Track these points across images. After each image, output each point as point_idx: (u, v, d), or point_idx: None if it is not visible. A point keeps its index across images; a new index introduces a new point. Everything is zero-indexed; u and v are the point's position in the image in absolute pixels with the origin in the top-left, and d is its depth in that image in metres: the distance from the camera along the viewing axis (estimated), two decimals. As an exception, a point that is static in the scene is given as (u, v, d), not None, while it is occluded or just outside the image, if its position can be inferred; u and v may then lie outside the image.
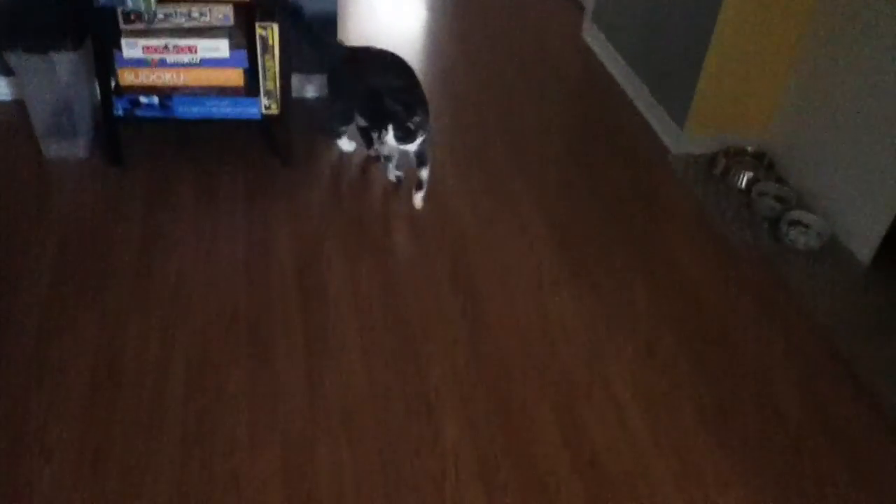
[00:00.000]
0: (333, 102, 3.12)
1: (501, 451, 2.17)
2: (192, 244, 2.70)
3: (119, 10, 2.76)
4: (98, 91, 2.89)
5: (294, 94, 3.45)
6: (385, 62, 2.99)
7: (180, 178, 2.99)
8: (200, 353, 2.34)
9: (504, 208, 3.01)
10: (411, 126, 2.71)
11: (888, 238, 2.84)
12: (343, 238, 2.80)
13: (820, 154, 3.09)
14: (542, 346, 2.48)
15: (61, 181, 2.93)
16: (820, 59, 3.06)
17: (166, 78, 2.90)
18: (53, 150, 3.01)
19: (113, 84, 2.89)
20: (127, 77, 2.89)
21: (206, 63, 2.89)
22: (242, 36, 2.92)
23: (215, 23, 2.87)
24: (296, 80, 3.40)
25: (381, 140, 2.78)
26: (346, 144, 3.20)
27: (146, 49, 2.82)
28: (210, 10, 2.83)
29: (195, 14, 2.83)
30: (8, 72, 3.14)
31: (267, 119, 2.99)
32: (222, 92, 2.94)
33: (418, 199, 2.96)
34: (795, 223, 3.02)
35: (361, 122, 3.08)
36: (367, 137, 3.13)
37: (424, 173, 2.93)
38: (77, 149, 3.02)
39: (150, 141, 3.15)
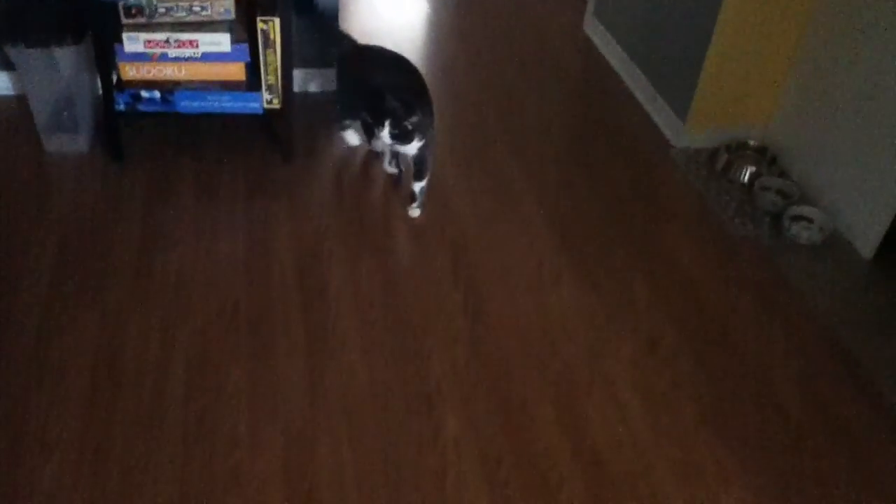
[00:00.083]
0: (340, 95, 3.11)
1: (502, 448, 2.17)
2: (192, 242, 2.70)
3: (120, 5, 2.76)
4: (99, 86, 2.88)
5: (298, 89, 3.45)
6: (393, 62, 2.97)
7: (181, 173, 2.98)
8: (201, 351, 2.34)
9: (505, 205, 3.01)
10: (409, 126, 2.66)
11: (890, 233, 2.83)
12: (344, 236, 2.80)
13: (822, 148, 3.08)
14: (542, 343, 2.48)
15: (62, 176, 2.93)
16: (822, 52, 3.05)
17: (168, 72, 2.90)
18: (54, 144, 3.01)
19: (114, 78, 2.88)
20: (128, 71, 2.88)
21: (207, 57, 2.88)
22: (244, 30, 2.91)
23: (216, 17, 2.86)
24: (301, 74, 3.40)
25: (376, 136, 2.76)
26: (352, 138, 3.19)
27: (147, 43, 2.81)
28: (211, 3, 2.82)
29: (196, 8, 2.82)
30: (9, 66, 3.13)
31: (268, 113, 2.99)
32: (224, 86, 2.93)
33: (414, 211, 2.91)
34: (798, 218, 3.01)
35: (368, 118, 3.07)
36: (369, 132, 3.12)
37: (419, 186, 2.87)
38: (78, 144, 3.02)
39: (151, 135, 3.14)
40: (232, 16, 2.87)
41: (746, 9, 3.05)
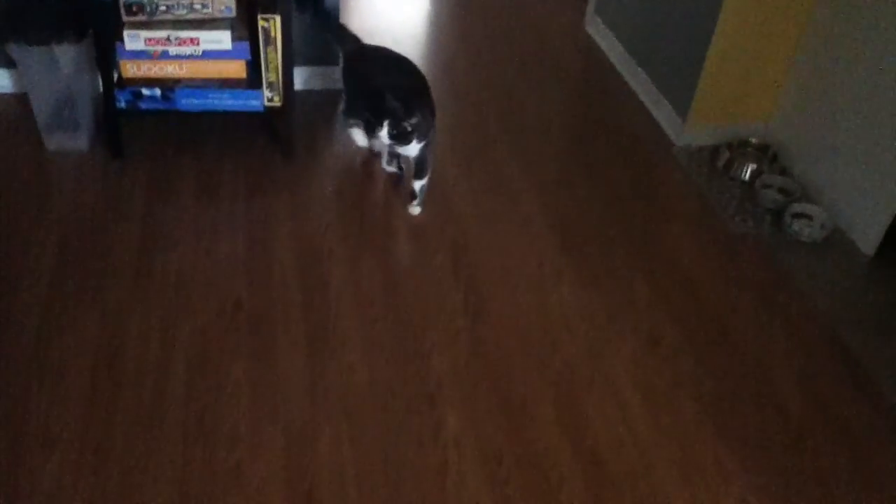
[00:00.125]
0: (346, 95, 3.10)
1: (503, 447, 2.17)
2: (192, 240, 2.70)
3: (121, 2, 2.76)
4: (100, 83, 2.88)
5: (300, 87, 3.45)
6: (395, 62, 2.96)
7: (181, 171, 2.98)
8: (201, 350, 2.34)
9: (506, 203, 3.00)
10: (408, 127, 2.65)
11: (891, 230, 2.83)
12: (344, 234, 2.80)
13: (824, 146, 3.08)
14: (543, 342, 2.48)
15: (62, 174, 2.93)
16: (823, 50, 3.05)
17: (168, 70, 2.90)
18: (55, 142, 3.01)
19: (115, 76, 2.88)
20: (129, 69, 2.88)
21: (208, 55, 2.88)
22: (245, 28, 2.91)
23: (217, 14, 2.86)
24: (302, 72, 3.40)
25: (374, 136, 2.74)
26: (359, 137, 3.17)
27: (148, 41, 2.82)
28: (212, 1, 2.82)
29: (197, 6, 2.82)
30: (10, 64, 3.13)
31: (269, 111, 2.99)
32: (224, 84, 2.93)
33: (414, 209, 2.91)
34: (799, 215, 3.01)
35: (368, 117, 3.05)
36: (370, 132, 3.11)
37: (419, 185, 2.87)
38: (79, 142, 3.02)
39: (151, 133, 3.14)
40: (233, 13, 2.87)
41: (747, 6, 3.04)
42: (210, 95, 2.91)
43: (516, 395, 2.31)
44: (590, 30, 4.20)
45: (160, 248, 2.66)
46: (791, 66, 3.22)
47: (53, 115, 2.97)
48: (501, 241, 2.84)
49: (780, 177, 3.18)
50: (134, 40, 2.80)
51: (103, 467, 2.02)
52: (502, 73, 3.80)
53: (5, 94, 3.26)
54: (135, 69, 2.88)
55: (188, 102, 2.92)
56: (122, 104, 2.90)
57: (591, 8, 4.18)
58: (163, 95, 2.89)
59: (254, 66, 2.93)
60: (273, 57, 2.87)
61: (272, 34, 2.83)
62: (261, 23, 2.80)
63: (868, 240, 2.90)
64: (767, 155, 3.29)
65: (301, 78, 3.43)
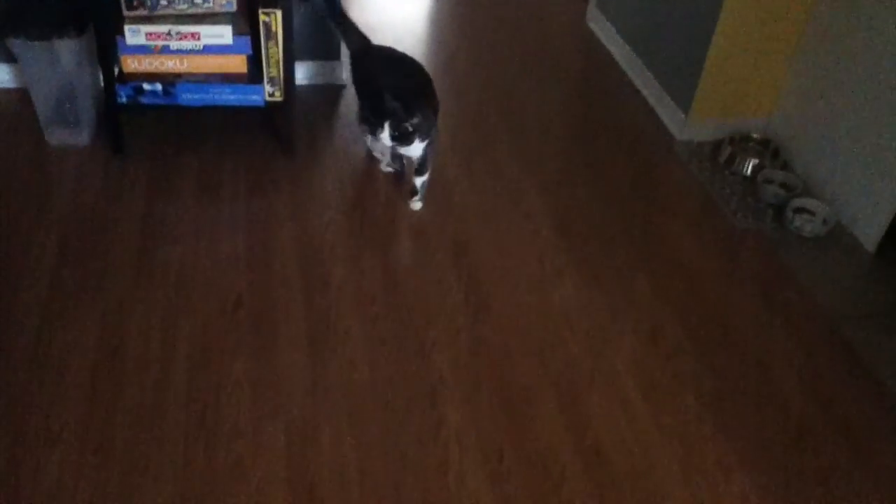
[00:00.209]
0: (357, 98, 3.09)
1: (505, 439, 2.17)
2: (193, 236, 2.70)
3: (121, -3, 2.76)
4: (101, 78, 2.88)
5: (304, 82, 3.45)
6: (399, 63, 2.96)
7: (182, 166, 2.98)
8: (203, 343, 2.34)
9: (507, 200, 3.00)
10: (409, 127, 2.64)
11: (893, 226, 2.83)
12: (345, 230, 2.80)
13: (826, 141, 3.07)
14: (544, 338, 2.48)
15: (63, 169, 2.93)
16: (825, 44, 3.04)
17: (169, 65, 2.89)
18: (56, 137, 3.01)
19: (116, 71, 2.88)
20: (130, 64, 2.88)
21: (209, 50, 2.88)
22: (245, 22, 2.90)
23: (218, 9, 2.85)
24: (303, 66, 3.40)
25: (375, 137, 2.73)
26: (374, 145, 3.15)
27: (149, 36, 2.81)
28: (213, -4, 2.82)
29: (198, 0, 2.81)
30: (11, 59, 3.13)
31: (270, 106, 2.98)
32: (225, 79, 2.93)
33: (415, 204, 2.91)
34: (801, 210, 3.01)
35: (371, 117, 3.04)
36: (373, 132, 3.10)
37: (420, 181, 2.87)
38: (80, 137, 3.02)
39: (152, 128, 3.14)
40: (234, 8, 2.87)
41: (749, 2, 3.03)
42: (211, 90, 2.91)
43: (517, 392, 2.31)
44: (591, 25, 4.20)
45: (161, 244, 2.65)
46: (793, 60, 3.22)
47: (54, 110, 2.97)
48: (502, 238, 2.83)
49: (781, 172, 3.17)
50: (135, 35, 2.80)
51: (104, 465, 2.02)
52: (503, 69, 3.80)
53: (6, 89, 3.26)
54: (136, 64, 2.87)
55: (189, 97, 2.92)
56: (123, 99, 2.89)
57: (592, 3, 4.17)
58: (164, 90, 2.89)
59: (255, 60, 2.93)
60: (274, 51, 2.87)
61: (273, 29, 2.82)
62: (262, 17, 2.80)
63: (870, 235, 2.90)
64: (769, 150, 3.29)
65: (302, 73, 3.43)
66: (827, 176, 3.08)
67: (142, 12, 2.79)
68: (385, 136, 2.66)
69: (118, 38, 2.80)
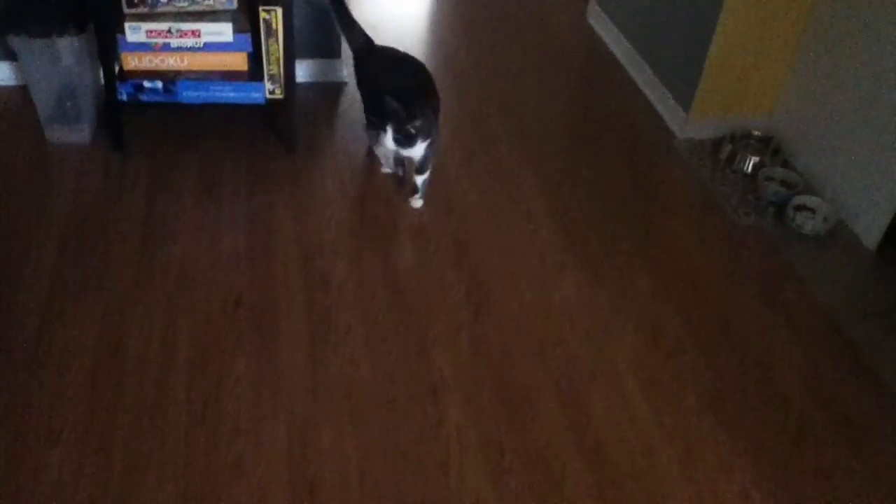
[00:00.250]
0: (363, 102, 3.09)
1: (506, 437, 2.18)
2: (194, 234, 2.70)
3: (122, -5, 2.76)
4: (101, 76, 2.87)
5: (304, 79, 3.44)
6: (400, 63, 2.96)
7: (183, 164, 2.98)
8: (204, 340, 2.34)
9: (508, 197, 3.00)
10: (411, 130, 2.64)
11: (895, 223, 2.82)
12: (346, 227, 2.80)
13: (827, 138, 3.07)
14: (545, 333, 2.48)
15: (64, 167, 2.92)
16: (826, 42, 3.04)
17: (170, 62, 2.89)
18: (57, 135, 3.01)
19: (116, 69, 2.88)
20: (130, 61, 2.87)
21: (209, 47, 2.87)
22: (246, 19, 2.90)
23: (218, 6, 2.85)
24: (303, 64, 3.39)
25: (379, 141, 2.73)
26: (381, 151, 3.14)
27: (149, 33, 2.80)
28: (213, -7, 2.82)
29: (198, -2, 2.82)
30: (11, 56, 3.12)
31: (271, 104, 2.98)
32: (226, 76, 2.92)
33: (416, 201, 2.90)
34: (801, 208, 3.01)
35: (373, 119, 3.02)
36: (374, 134, 3.09)
37: (420, 179, 2.86)
38: (80, 134, 3.02)
39: (153, 126, 3.14)
40: (234, 5, 2.86)
41: (751, -2, 3.04)
42: (211, 88, 2.91)
43: (518, 388, 2.31)
44: (592, 22, 4.19)
45: (161, 242, 2.65)
46: (794, 58, 3.21)
47: (55, 107, 2.97)
48: (503, 235, 2.83)
49: (782, 169, 3.17)
50: (135, 32, 2.80)
51: (105, 463, 2.02)
52: (504, 67, 3.79)
53: (6, 87, 3.26)
54: (136, 61, 2.87)
55: (189, 95, 2.91)
56: (124, 97, 2.89)
57: (593, 1, 4.16)
58: (164, 88, 2.89)
59: (255, 58, 2.93)
60: (274, 49, 2.86)
61: (274, 26, 2.82)
62: (262, 14, 2.80)
63: (871, 233, 2.90)
64: (770, 147, 3.28)
65: (303, 70, 3.43)
66: (828, 174, 3.07)
67: (142, 10, 2.79)
68: (388, 139, 2.65)
69: (118, 35, 2.80)
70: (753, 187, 3.13)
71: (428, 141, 2.73)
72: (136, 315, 2.40)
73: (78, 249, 2.59)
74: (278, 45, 2.85)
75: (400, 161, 2.99)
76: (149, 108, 2.97)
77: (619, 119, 3.51)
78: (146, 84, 2.87)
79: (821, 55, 3.08)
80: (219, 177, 2.94)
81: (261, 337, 2.38)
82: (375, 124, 2.70)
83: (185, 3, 2.81)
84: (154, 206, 2.78)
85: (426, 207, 2.90)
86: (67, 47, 2.84)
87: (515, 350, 2.42)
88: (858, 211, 2.94)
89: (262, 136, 3.17)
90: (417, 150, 2.74)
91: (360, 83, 3.02)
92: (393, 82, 2.81)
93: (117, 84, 2.86)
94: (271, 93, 2.96)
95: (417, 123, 2.64)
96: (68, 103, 2.95)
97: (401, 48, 3.04)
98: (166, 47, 2.85)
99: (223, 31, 2.84)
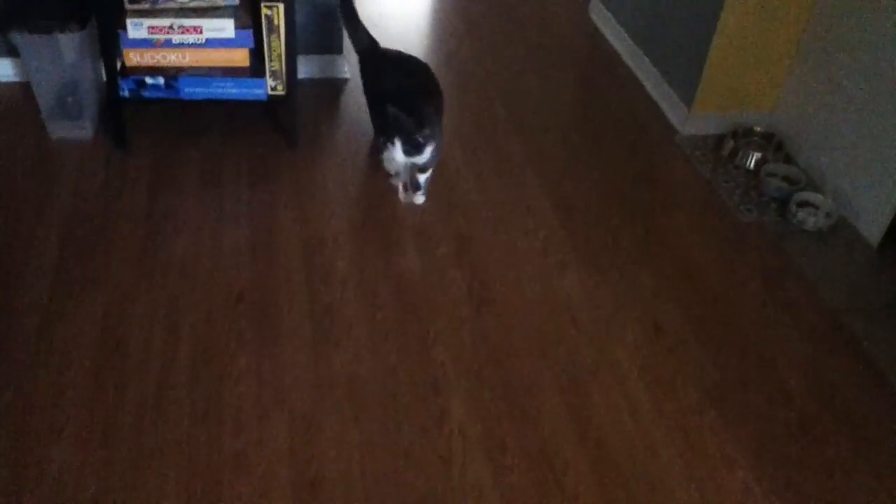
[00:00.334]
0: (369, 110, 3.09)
1: (508, 431, 2.18)
2: (196, 229, 2.70)
3: (124, -9, 2.76)
4: (103, 72, 2.87)
5: (306, 75, 3.44)
6: (405, 64, 2.95)
7: (185, 160, 2.98)
8: (206, 338, 2.34)
9: (510, 192, 3.00)
10: (420, 139, 2.63)
11: (897, 220, 2.83)
12: (348, 223, 2.80)
13: (829, 134, 3.07)
14: (547, 329, 2.48)
15: (66, 163, 2.92)
16: (828, 38, 3.03)
17: (172, 58, 2.89)
18: (58, 131, 3.01)
19: (118, 65, 2.88)
20: (132, 58, 2.87)
21: (211, 43, 2.87)
22: (248, 16, 2.90)
23: (220, 3, 2.85)
24: (309, 60, 3.39)
25: (389, 153, 2.71)
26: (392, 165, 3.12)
27: (151, 29, 2.81)
28: (215, -11, 2.82)
29: (200, -6, 2.82)
30: (13, 53, 3.13)
31: (273, 100, 2.98)
32: (228, 72, 2.92)
33: (418, 198, 2.89)
34: (804, 204, 3.01)
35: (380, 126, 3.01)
36: (383, 142, 3.07)
37: (423, 176, 2.85)
38: (82, 130, 3.02)
39: (155, 122, 3.14)
40: (236, 1, 2.86)
41: (753, -6, 3.04)
42: (213, 84, 2.91)
43: (521, 383, 2.31)
44: (594, 17, 4.19)
45: (163, 238, 2.65)
46: (796, 54, 3.21)
47: (57, 103, 2.97)
48: (505, 231, 2.83)
49: (784, 165, 3.17)
50: (137, 28, 2.80)
51: (109, 455, 2.02)
52: (506, 62, 3.79)
53: (8, 83, 3.26)
54: (138, 58, 2.87)
55: (191, 91, 2.91)
56: (126, 93, 2.89)
57: (595, -4, 4.17)
58: (166, 84, 2.89)
59: (257, 54, 2.93)
60: (276, 45, 2.86)
61: (275, 22, 2.82)
62: (264, 11, 2.79)
63: (873, 229, 2.89)
64: (772, 143, 3.28)
65: (305, 67, 3.43)
66: (830, 170, 3.07)
67: (144, 6, 2.79)
68: (398, 152, 2.65)
69: (120, 31, 2.80)
70: (756, 183, 3.13)
71: (435, 143, 2.72)
72: (137, 312, 2.40)
73: (79, 246, 2.59)
74: (280, 41, 2.85)
75: (407, 167, 2.98)
76: (151, 104, 2.96)
77: (620, 115, 3.51)
78: (148, 80, 2.87)
79: (823, 52, 3.07)
80: (220, 173, 2.94)
81: (262, 334, 2.38)
82: (382, 132, 2.68)
83: (187, 0, 2.81)
84: (155, 203, 2.78)
85: (428, 202, 2.90)
86: (69, 44, 2.84)
87: (517, 346, 2.42)
88: (861, 207, 2.94)
89: (263, 132, 3.17)
90: (426, 155, 2.74)
91: (366, 87, 3.01)
92: (396, 84, 2.81)
93: (119, 80, 2.86)
94: (273, 89, 2.96)
95: (426, 132, 2.64)
96: (70, 100, 2.96)
97: (403, 48, 3.03)
98: (168, 43, 2.85)
99: (225, 28, 2.84)
